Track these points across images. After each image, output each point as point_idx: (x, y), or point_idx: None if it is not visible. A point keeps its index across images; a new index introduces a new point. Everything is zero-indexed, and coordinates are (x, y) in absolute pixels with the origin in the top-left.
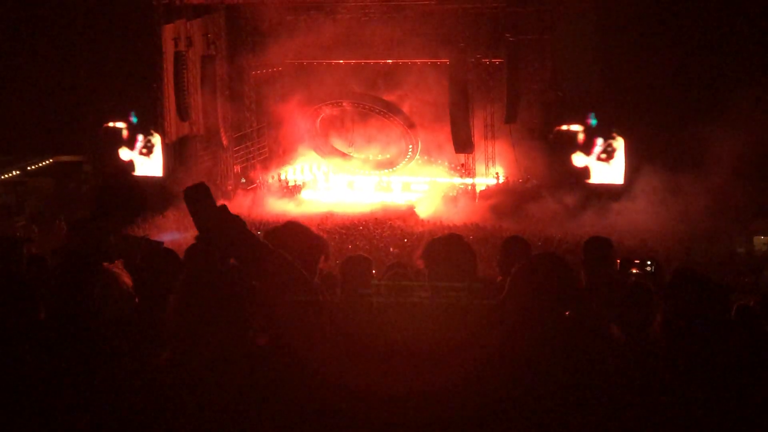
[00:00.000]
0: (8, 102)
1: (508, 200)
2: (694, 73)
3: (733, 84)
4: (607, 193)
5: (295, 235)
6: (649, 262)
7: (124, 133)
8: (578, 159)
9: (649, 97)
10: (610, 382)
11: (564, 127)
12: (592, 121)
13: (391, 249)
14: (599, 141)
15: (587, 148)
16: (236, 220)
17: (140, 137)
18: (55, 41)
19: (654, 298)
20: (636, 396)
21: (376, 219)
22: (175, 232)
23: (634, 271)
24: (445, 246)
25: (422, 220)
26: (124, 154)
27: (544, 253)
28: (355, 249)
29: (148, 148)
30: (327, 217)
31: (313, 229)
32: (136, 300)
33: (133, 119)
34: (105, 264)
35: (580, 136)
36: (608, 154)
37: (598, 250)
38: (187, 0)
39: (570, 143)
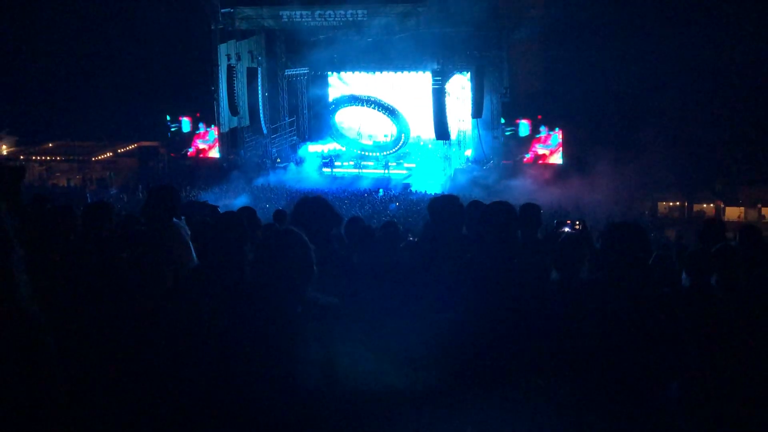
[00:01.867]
0: (105, 103)
1: (476, 175)
2: (625, 79)
3: (660, 87)
4: (550, 170)
5: (317, 207)
6: (577, 222)
7: (190, 125)
8: (527, 145)
9: (586, 97)
10: (549, 311)
11: (517, 121)
12: (538, 117)
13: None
14: (543, 131)
15: (534, 137)
16: None
17: (202, 128)
18: (138, 58)
19: (581, 248)
20: (568, 322)
21: (377, 188)
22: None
23: (566, 229)
24: (444, 200)
25: (411, 191)
26: (190, 140)
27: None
28: (362, 210)
29: (208, 136)
30: (343, 188)
31: (335, 195)
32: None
33: (197, 114)
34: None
35: (528, 128)
36: (550, 141)
37: (528, 212)
38: (237, 25)
39: (520, 133)
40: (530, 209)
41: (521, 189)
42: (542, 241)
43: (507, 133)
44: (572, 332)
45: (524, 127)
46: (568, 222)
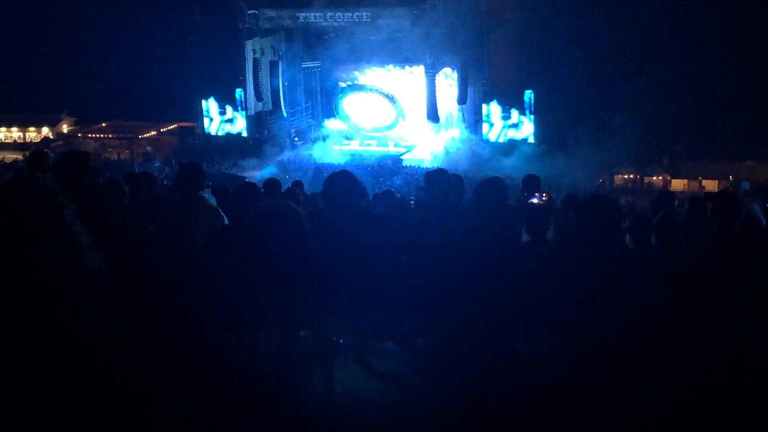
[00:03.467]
0: (151, 89)
1: (461, 152)
2: (588, 71)
3: (617, 79)
4: (524, 147)
5: (346, 180)
6: (544, 194)
7: (218, 108)
8: (504, 125)
9: (555, 87)
10: (521, 266)
11: (496, 106)
12: (515, 103)
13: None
14: (518, 115)
15: (509, 120)
16: None
17: (233, 111)
18: (179, 52)
19: (547, 216)
20: (535, 276)
21: (378, 163)
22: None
23: (535, 200)
24: (437, 173)
25: (405, 166)
26: (223, 122)
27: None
28: (363, 181)
29: (238, 118)
30: (351, 162)
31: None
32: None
33: (227, 101)
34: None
35: (500, 112)
36: (524, 123)
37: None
38: (261, 25)
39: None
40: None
41: (501, 163)
42: (515, 209)
43: (483, 120)
44: (541, 282)
45: (496, 111)
46: (536, 194)
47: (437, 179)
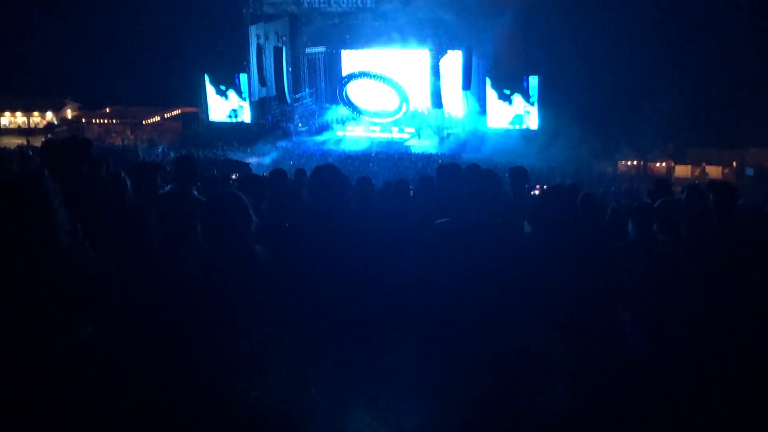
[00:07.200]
0: (155, 74)
1: (465, 138)
2: (592, 58)
3: (622, 65)
4: (528, 133)
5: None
6: (545, 186)
7: (225, 95)
8: (508, 112)
9: (560, 73)
10: (521, 254)
11: (500, 92)
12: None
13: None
14: (522, 102)
15: (513, 106)
16: None
17: (236, 97)
18: (183, 37)
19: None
20: (539, 261)
21: (385, 150)
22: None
23: (537, 192)
24: (449, 166)
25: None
26: (227, 107)
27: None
28: (369, 169)
29: (242, 104)
30: (354, 149)
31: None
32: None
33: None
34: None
35: (507, 98)
36: (528, 110)
37: (517, 173)
38: (265, 10)
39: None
40: (519, 171)
41: (505, 150)
42: (517, 200)
43: (487, 106)
44: (542, 272)
45: (500, 97)
46: (537, 186)
47: (449, 174)
